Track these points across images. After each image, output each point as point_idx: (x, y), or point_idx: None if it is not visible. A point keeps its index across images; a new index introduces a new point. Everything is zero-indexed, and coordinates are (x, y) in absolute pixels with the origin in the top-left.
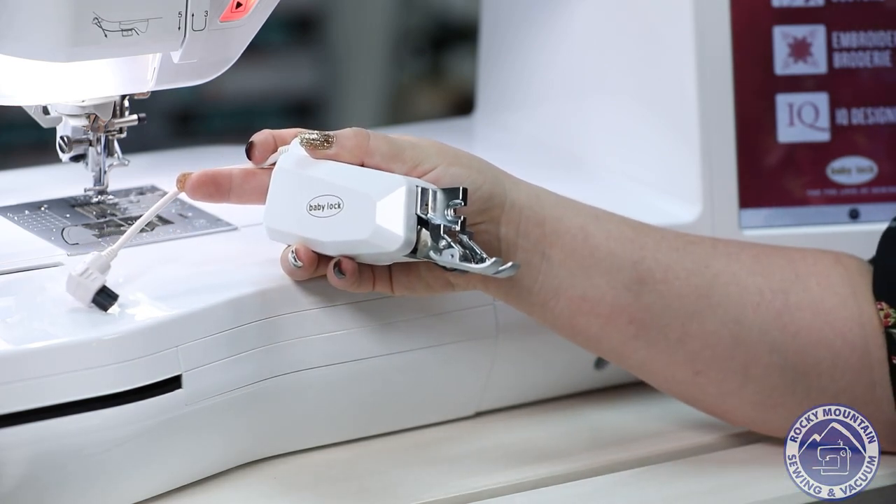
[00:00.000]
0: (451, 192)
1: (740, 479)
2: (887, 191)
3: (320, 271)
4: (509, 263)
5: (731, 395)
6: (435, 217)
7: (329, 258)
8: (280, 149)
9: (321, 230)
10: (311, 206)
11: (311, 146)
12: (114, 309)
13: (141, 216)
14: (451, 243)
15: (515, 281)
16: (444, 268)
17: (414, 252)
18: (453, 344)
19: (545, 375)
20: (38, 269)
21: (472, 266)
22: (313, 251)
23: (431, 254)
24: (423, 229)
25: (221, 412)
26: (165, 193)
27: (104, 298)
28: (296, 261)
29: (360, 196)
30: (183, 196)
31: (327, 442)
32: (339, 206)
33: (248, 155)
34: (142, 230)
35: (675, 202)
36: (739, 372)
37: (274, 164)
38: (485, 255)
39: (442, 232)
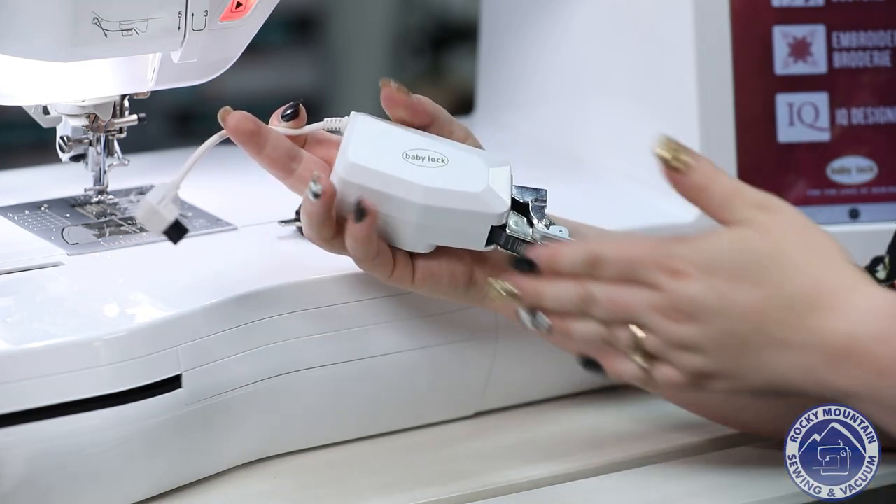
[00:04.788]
0: (535, 191)
1: (740, 479)
2: (887, 191)
3: (337, 244)
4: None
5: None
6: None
7: (340, 238)
8: (327, 120)
9: (422, 175)
10: (408, 154)
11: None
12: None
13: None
14: (553, 223)
15: None
16: (529, 243)
17: (502, 230)
18: (453, 344)
19: (545, 375)
20: (38, 269)
21: (575, 242)
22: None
23: (539, 227)
24: (513, 211)
25: (221, 412)
26: None
27: (177, 231)
28: (316, 184)
29: (468, 159)
30: (184, 196)
31: (327, 442)
32: (443, 161)
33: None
34: (141, 230)
35: (675, 202)
36: None
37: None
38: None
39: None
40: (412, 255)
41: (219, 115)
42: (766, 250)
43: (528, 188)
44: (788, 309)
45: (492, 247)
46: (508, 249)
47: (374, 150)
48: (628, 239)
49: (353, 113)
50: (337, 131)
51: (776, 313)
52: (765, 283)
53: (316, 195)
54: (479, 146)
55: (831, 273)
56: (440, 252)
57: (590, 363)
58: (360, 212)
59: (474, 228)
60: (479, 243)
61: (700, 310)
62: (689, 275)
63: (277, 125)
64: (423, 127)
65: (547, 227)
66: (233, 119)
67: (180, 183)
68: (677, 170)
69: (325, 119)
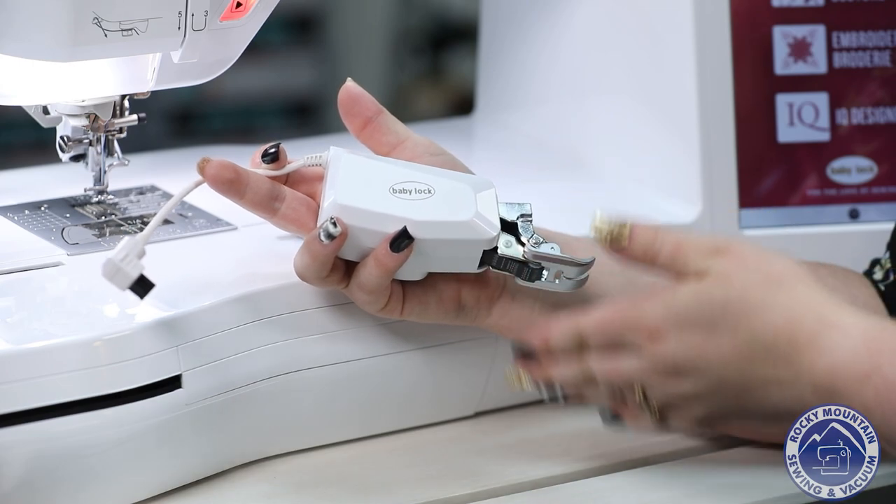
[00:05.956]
0: (520, 206)
1: (740, 479)
2: (887, 191)
3: (332, 280)
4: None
5: None
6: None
7: (348, 267)
8: (306, 157)
9: (411, 209)
10: (394, 189)
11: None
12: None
13: (141, 215)
14: (543, 240)
15: (520, 315)
16: (522, 264)
17: (493, 252)
18: (453, 344)
19: None
20: (38, 269)
21: (567, 256)
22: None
23: (529, 246)
24: (503, 232)
25: (222, 412)
26: (164, 193)
27: (143, 286)
28: (335, 227)
29: (454, 186)
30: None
31: (327, 442)
32: (429, 192)
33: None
34: (141, 230)
35: (675, 202)
36: None
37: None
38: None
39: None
40: (402, 285)
41: (197, 165)
42: (729, 298)
43: (512, 204)
44: (770, 349)
45: (484, 268)
46: (500, 269)
47: (361, 188)
48: (603, 308)
49: (331, 148)
50: (318, 166)
51: (759, 355)
52: (739, 330)
53: (332, 237)
54: (424, 144)
55: (802, 307)
56: (427, 279)
57: (614, 417)
58: (399, 243)
59: (467, 254)
60: (471, 267)
61: (683, 367)
62: (664, 335)
63: (258, 166)
64: (365, 124)
65: (537, 244)
66: (211, 169)
67: (147, 239)
68: (618, 244)
69: (305, 156)
